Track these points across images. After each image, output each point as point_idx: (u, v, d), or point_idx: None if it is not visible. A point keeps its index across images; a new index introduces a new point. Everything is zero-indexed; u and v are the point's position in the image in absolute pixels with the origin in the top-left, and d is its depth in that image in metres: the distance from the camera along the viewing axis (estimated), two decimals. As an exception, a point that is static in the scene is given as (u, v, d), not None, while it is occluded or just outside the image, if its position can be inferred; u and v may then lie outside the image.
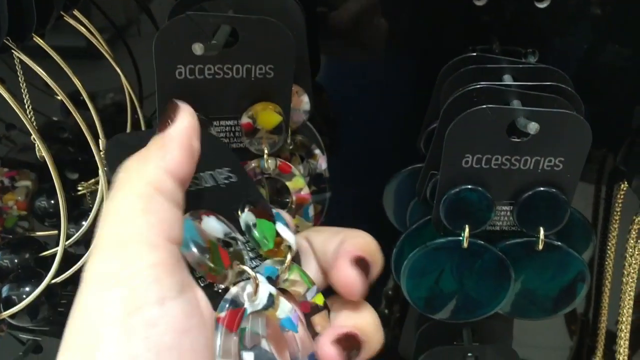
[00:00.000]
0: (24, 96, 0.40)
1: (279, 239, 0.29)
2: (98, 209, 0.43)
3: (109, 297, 0.22)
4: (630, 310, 0.40)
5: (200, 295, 0.25)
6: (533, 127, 0.31)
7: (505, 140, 0.34)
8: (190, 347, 0.23)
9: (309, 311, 0.29)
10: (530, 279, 0.38)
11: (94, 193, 0.46)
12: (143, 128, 0.48)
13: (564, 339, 0.58)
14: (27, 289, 0.41)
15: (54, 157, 0.43)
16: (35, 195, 0.46)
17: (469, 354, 0.43)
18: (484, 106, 0.33)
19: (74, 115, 0.40)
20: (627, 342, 0.45)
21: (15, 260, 0.43)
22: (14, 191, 0.45)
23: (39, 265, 0.43)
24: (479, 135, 0.34)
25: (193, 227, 0.27)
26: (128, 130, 0.48)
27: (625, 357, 0.47)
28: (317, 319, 0.29)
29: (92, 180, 0.46)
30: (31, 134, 0.50)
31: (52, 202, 0.46)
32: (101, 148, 0.40)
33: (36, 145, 0.38)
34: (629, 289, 0.39)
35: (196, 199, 0.29)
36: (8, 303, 0.41)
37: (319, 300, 0.29)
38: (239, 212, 0.30)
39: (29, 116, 0.39)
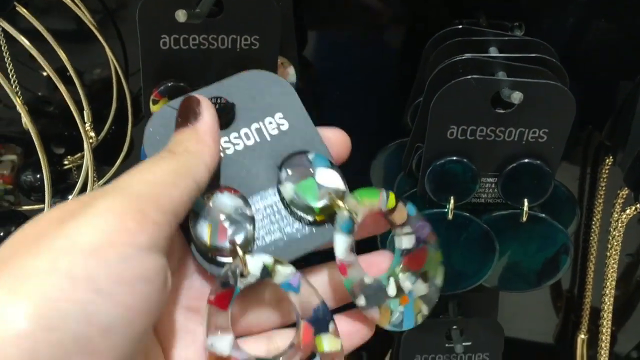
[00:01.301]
0: (8, 69, 0.40)
1: (322, 192, 0.30)
2: (83, 182, 0.43)
3: (96, 223, 0.23)
4: (614, 283, 0.41)
5: (169, 273, 0.26)
6: (517, 97, 0.32)
7: (490, 111, 0.34)
8: (143, 297, 0.23)
9: (387, 212, 0.32)
10: (515, 251, 0.39)
11: (79, 167, 0.46)
12: (129, 104, 0.48)
13: (550, 315, 0.59)
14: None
15: (39, 131, 0.43)
16: (21, 169, 0.46)
17: (454, 327, 0.43)
18: (469, 77, 0.33)
19: (60, 89, 0.40)
20: (610, 316, 0.46)
21: (1, 233, 0.42)
22: (0, 165, 0.45)
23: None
24: (464, 106, 0.34)
25: (201, 204, 0.29)
26: (113, 105, 0.48)
27: (609, 332, 0.47)
28: (396, 217, 0.32)
29: (78, 155, 0.46)
30: (16, 107, 0.50)
31: (38, 176, 0.45)
32: (86, 121, 0.40)
33: (22, 116, 0.38)
34: (612, 261, 0.40)
35: (228, 164, 0.30)
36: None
37: (391, 203, 0.31)
38: (278, 182, 0.31)
39: (14, 87, 0.38)
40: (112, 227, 0.23)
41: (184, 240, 0.30)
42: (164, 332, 0.30)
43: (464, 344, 0.44)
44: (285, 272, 0.30)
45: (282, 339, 0.31)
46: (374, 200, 0.31)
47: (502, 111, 0.34)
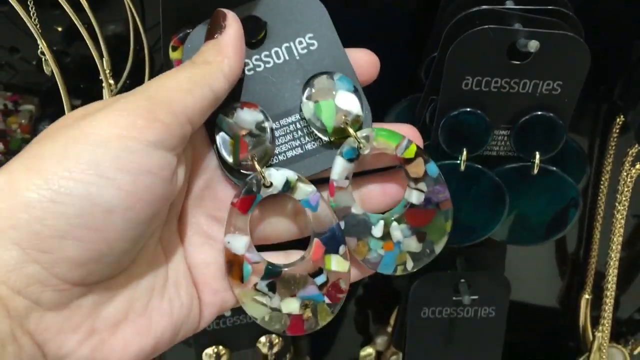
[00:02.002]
0: (30, 14, 0.40)
1: (340, 115, 0.31)
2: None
3: (108, 119, 0.26)
4: (620, 239, 0.42)
5: (181, 174, 0.29)
6: (533, 45, 0.32)
7: (506, 62, 0.35)
8: (145, 187, 0.26)
9: (403, 161, 0.33)
10: (525, 204, 0.39)
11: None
12: (147, 57, 0.48)
13: (555, 277, 0.60)
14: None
15: (55, 84, 0.44)
16: (39, 119, 0.47)
17: (462, 280, 0.44)
18: (486, 26, 0.33)
19: (83, 34, 0.41)
20: (615, 278, 0.47)
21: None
22: (17, 114, 0.46)
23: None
24: (480, 57, 0.34)
25: (222, 121, 0.31)
26: (130, 57, 0.48)
27: (613, 293, 0.48)
28: (412, 168, 0.33)
29: (95, 106, 0.47)
30: (32, 61, 0.51)
31: (55, 126, 0.46)
32: (106, 68, 0.40)
33: (44, 60, 0.38)
34: (620, 216, 0.40)
35: (258, 80, 0.32)
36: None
37: (411, 152, 0.32)
38: (303, 94, 0.32)
39: (37, 28, 0.38)
40: (122, 122, 0.26)
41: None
42: (187, 235, 0.32)
43: (471, 297, 0.45)
44: (306, 190, 0.32)
45: (298, 257, 0.33)
46: (390, 143, 0.32)
47: (517, 62, 0.35)
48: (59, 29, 0.49)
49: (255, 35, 0.32)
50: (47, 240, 0.24)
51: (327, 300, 0.33)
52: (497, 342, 0.47)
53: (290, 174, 0.31)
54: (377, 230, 0.33)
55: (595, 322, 0.54)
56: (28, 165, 0.25)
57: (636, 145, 0.40)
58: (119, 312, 0.28)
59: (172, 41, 0.36)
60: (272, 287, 0.32)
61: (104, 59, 0.40)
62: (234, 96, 0.31)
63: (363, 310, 0.63)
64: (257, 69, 0.32)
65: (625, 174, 0.40)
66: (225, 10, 0.30)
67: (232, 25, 0.30)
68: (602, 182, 0.47)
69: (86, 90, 0.49)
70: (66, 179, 0.24)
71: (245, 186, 0.31)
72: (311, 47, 0.32)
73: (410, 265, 0.34)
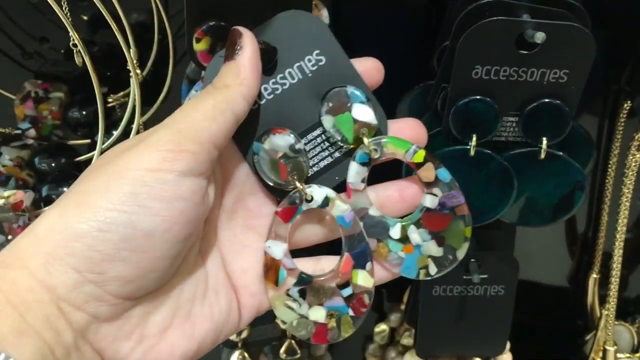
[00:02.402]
0: (62, 5, 0.43)
1: (357, 126, 0.34)
2: (128, 119, 0.46)
3: (141, 155, 0.29)
4: (625, 220, 0.43)
5: (212, 192, 0.32)
6: (540, 37, 0.33)
7: (514, 52, 0.36)
8: (179, 211, 0.29)
9: (415, 167, 0.35)
10: (532, 187, 0.41)
11: (122, 105, 0.49)
12: (170, 46, 0.50)
13: (565, 257, 0.62)
14: (65, 189, 0.44)
15: (84, 72, 0.46)
16: (68, 106, 0.49)
17: (472, 260, 0.46)
18: (495, 18, 0.35)
19: (111, 25, 0.43)
20: (620, 258, 0.48)
21: (53, 164, 0.46)
22: (48, 102, 0.48)
23: (74, 169, 0.46)
24: (489, 47, 0.36)
25: (260, 148, 0.34)
26: (154, 47, 0.50)
27: (618, 272, 0.50)
28: (422, 173, 0.35)
29: (121, 93, 0.49)
30: (61, 50, 0.53)
31: (84, 113, 0.48)
32: (133, 58, 0.42)
33: (75, 51, 0.40)
34: (625, 199, 0.42)
35: (279, 102, 0.34)
36: (47, 202, 0.44)
37: (419, 157, 0.35)
38: (321, 110, 0.34)
39: (68, 18, 0.41)
40: (154, 157, 0.29)
41: (245, 176, 0.35)
42: (225, 245, 0.35)
43: (480, 276, 0.46)
44: (342, 208, 0.34)
45: (327, 264, 0.35)
46: (399, 149, 0.34)
47: (525, 52, 0.36)
48: (85, 18, 0.52)
49: (269, 63, 0.34)
50: (99, 264, 0.28)
51: (351, 312, 0.35)
52: (506, 319, 0.49)
53: (330, 192, 0.34)
54: (395, 232, 0.35)
55: (603, 300, 0.55)
56: (77, 200, 0.28)
57: (642, 131, 0.42)
58: (165, 320, 0.31)
59: (196, 33, 0.38)
60: (302, 294, 0.34)
61: (131, 50, 0.42)
62: (263, 121, 0.34)
63: (378, 289, 0.65)
64: (276, 92, 0.34)
65: (630, 157, 0.41)
66: (241, 29, 0.32)
67: (248, 44, 0.32)
68: (609, 166, 0.49)
69: (112, 78, 0.51)
70: (110, 211, 0.28)
71: (289, 199, 0.34)
72: (320, 63, 0.34)
73: (433, 270, 0.36)
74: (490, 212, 0.42)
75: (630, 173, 0.41)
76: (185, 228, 0.30)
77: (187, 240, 0.30)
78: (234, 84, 0.31)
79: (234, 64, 0.32)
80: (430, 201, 0.35)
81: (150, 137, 0.30)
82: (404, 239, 0.35)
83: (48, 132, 0.48)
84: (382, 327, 0.59)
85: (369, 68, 0.35)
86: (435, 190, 0.35)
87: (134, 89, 0.43)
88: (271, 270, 0.34)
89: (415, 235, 0.35)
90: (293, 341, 0.55)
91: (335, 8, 0.43)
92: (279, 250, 0.34)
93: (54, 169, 0.46)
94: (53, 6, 0.38)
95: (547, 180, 0.41)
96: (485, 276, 0.47)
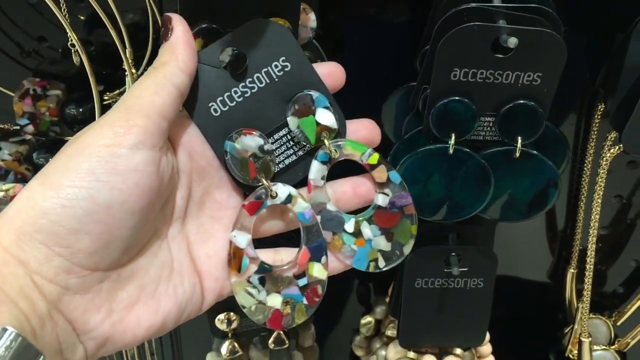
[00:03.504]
0: (61, 5, 0.44)
1: (319, 128, 0.37)
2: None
3: (96, 133, 0.32)
4: (597, 217, 0.45)
5: (166, 163, 0.34)
6: (512, 42, 0.35)
7: (490, 55, 0.38)
8: (134, 183, 0.32)
9: (369, 168, 0.39)
10: (509, 184, 0.43)
11: (118, 103, 0.51)
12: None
13: (545, 254, 0.64)
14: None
15: (80, 70, 0.48)
16: (65, 104, 0.51)
17: (452, 254, 0.48)
18: (472, 23, 0.37)
19: (107, 25, 0.44)
20: (593, 253, 0.50)
21: (50, 159, 0.47)
22: (46, 99, 0.50)
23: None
24: (467, 51, 0.38)
25: (231, 147, 0.36)
26: (149, 46, 0.52)
27: (592, 267, 0.52)
28: (376, 174, 0.39)
29: (117, 91, 0.51)
30: (59, 49, 0.54)
31: (81, 110, 0.50)
32: (129, 57, 0.44)
33: (73, 51, 0.42)
34: (597, 196, 0.44)
35: (248, 104, 0.37)
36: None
37: (374, 160, 0.39)
38: (287, 112, 0.37)
39: (66, 18, 0.42)
40: (106, 134, 0.32)
41: (215, 170, 0.38)
42: (192, 233, 0.37)
43: (460, 269, 0.48)
44: (303, 205, 0.38)
45: (286, 255, 0.39)
46: (355, 151, 0.38)
47: (500, 56, 0.38)
48: (82, 18, 0.53)
49: (239, 68, 0.37)
50: (65, 237, 0.30)
51: (305, 301, 0.38)
52: (485, 310, 0.51)
53: (293, 190, 0.38)
54: (349, 226, 0.39)
55: (580, 294, 0.57)
56: (41, 181, 0.31)
57: (614, 131, 0.44)
58: (132, 296, 0.34)
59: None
60: (262, 282, 0.38)
61: (127, 50, 0.44)
62: (233, 121, 0.37)
63: (365, 283, 0.67)
64: (246, 95, 0.37)
65: (602, 156, 0.43)
66: (171, 14, 0.35)
67: (178, 25, 0.35)
68: (585, 165, 0.51)
69: (108, 77, 0.53)
70: (71, 187, 0.30)
71: (256, 194, 0.37)
72: (286, 69, 0.37)
73: (382, 263, 0.39)
74: (469, 207, 0.44)
75: (602, 171, 0.43)
76: (141, 199, 0.32)
77: (146, 212, 0.33)
78: (170, 60, 0.34)
79: (168, 44, 0.35)
80: (382, 200, 0.39)
81: (103, 118, 0.33)
82: (357, 233, 0.39)
83: (46, 129, 0.50)
84: (368, 319, 0.61)
85: (332, 72, 0.38)
86: (387, 190, 0.39)
87: (129, 87, 0.44)
88: (235, 258, 0.37)
89: (367, 230, 0.39)
90: (281, 332, 0.56)
91: (322, 12, 0.45)
92: (243, 240, 0.37)
93: (52, 163, 0.48)
94: (51, 6, 0.40)
95: (523, 178, 0.43)
96: (465, 269, 0.49)
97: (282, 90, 0.38)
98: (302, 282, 0.38)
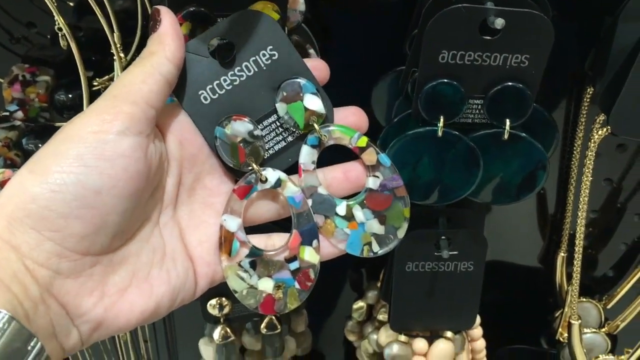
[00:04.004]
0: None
1: (308, 113, 0.38)
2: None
3: (84, 120, 0.32)
4: (587, 199, 0.45)
5: (154, 150, 0.34)
6: (499, 22, 0.36)
7: (478, 37, 0.38)
8: (122, 168, 0.32)
9: (358, 152, 0.39)
10: (498, 167, 0.43)
11: (107, 88, 0.51)
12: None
13: (536, 238, 0.64)
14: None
15: (69, 56, 0.48)
16: (55, 89, 0.50)
17: (443, 237, 0.48)
18: (459, 5, 0.37)
19: (96, 11, 0.44)
20: (582, 235, 0.50)
21: (40, 145, 0.47)
22: (35, 85, 0.50)
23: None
24: (455, 33, 0.38)
25: (221, 132, 0.37)
26: (137, 33, 0.52)
27: (581, 249, 0.52)
28: (365, 156, 0.39)
29: (106, 77, 0.50)
30: (47, 35, 0.54)
31: (70, 95, 0.50)
32: (117, 42, 0.44)
33: (60, 35, 0.42)
34: (586, 179, 0.44)
35: (238, 92, 0.37)
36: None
37: (362, 142, 0.39)
38: (276, 98, 0.38)
39: (54, 3, 0.42)
40: (94, 121, 0.32)
41: (205, 157, 0.38)
42: (184, 219, 0.37)
43: (450, 253, 0.49)
44: (293, 189, 0.38)
45: (278, 240, 0.39)
46: (344, 135, 0.38)
47: (488, 38, 0.38)
48: (71, 4, 0.53)
49: (228, 56, 0.37)
50: (55, 222, 0.31)
51: (297, 285, 0.38)
52: (476, 294, 0.51)
53: (283, 175, 0.38)
54: (341, 209, 0.39)
55: (570, 278, 0.58)
56: (31, 168, 0.32)
57: (602, 114, 0.44)
58: (124, 280, 0.34)
59: (177, 18, 0.40)
60: (253, 265, 0.38)
61: (115, 34, 0.44)
62: (222, 108, 0.37)
63: (357, 269, 0.67)
64: (235, 83, 0.38)
65: (591, 139, 0.44)
66: (159, 7, 0.36)
67: (166, 16, 0.35)
68: (575, 148, 0.51)
69: (98, 62, 0.52)
70: (60, 173, 0.31)
71: (246, 178, 0.37)
72: (273, 58, 0.38)
73: (376, 247, 0.39)
74: (458, 190, 0.44)
75: (590, 154, 0.43)
76: (130, 184, 0.33)
77: (136, 197, 0.33)
78: (158, 50, 0.35)
79: (156, 34, 0.35)
80: (372, 182, 0.39)
81: (91, 106, 0.33)
82: (349, 217, 0.39)
83: (35, 114, 0.50)
84: (360, 304, 0.61)
85: (316, 66, 0.39)
86: (377, 173, 0.39)
87: (118, 72, 0.44)
88: (226, 242, 0.37)
89: (359, 212, 0.39)
90: (273, 317, 0.57)
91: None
92: (234, 223, 0.37)
93: (41, 149, 0.48)
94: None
95: (512, 160, 0.43)
96: (455, 253, 0.49)
97: (270, 79, 0.38)
98: (294, 265, 0.38)
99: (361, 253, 0.39)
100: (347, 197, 0.40)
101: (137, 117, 0.33)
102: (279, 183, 0.38)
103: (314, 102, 0.38)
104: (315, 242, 0.38)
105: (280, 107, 0.38)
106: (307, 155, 0.38)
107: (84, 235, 0.32)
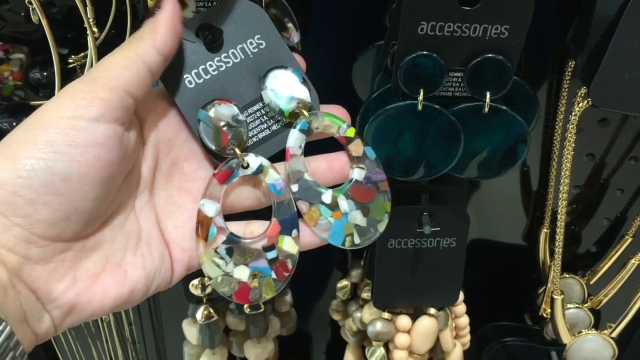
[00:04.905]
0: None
1: (293, 102, 0.37)
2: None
3: (57, 104, 0.31)
4: (568, 173, 0.45)
5: (129, 137, 0.33)
6: (477, -10, 0.35)
7: (457, 8, 0.38)
8: (95, 156, 0.31)
9: (345, 142, 0.39)
10: (479, 141, 0.43)
11: (82, 66, 0.50)
12: (129, 9, 0.51)
13: (521, 215, 0.64)
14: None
15: (44, 34, 0.46)
16: (29, 67, 0.49)
17: (425, 213, 0.48)
18: (437, -26, 0.36)
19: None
20: (564, 209, 0.50)
21: (14, 124, 0.46)
22: (9, 63, 0.49)
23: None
24: (433, 3, 0.37)
25: (205, 116, 0.36)
26: (112, 10, 0.51)
27: (563, 224, 0.52)
28: (352, 147, 0.39)
29: (82, 54, 0.49)
30: (21, 12, 0.53)
31: (45, 73, 0.49)
32: (89, 17, 0.43)
33: (31, 9, 0.41)
34: (567, 152, 0.44)
35: (223, 78, 0.37)
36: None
37: (350, 133, 0.39)
38: (262, 86, 0.38)
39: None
40: (68, 104, 0.31)
41: (183, 142, 0.37)
42: (160, 204, 0.37)
43: (432, 229, 0.48)
44: (274, 176, 0.37)
45: (257, 227, 0.38)
46: (333, 124, 0.38)
47: (467, 8, 0.38)
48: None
49: (215, 41, 0.37)
50: (22, 208, 0.30)
51: (274, 275, 0.38)
52: (458, 270, 0.51)
53: (265, 161, 0.37)
54: (326, 198, 0.38)
55: (553, 254, 0.58)
56: (0, 152, 0.31)
57: (584, 87, 0.44)
58: (97, 265, 0.34)
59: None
60: (229, 252, 0.37)
61: (87, 8, 0.43)
62: (207, 93, 0.37)
63: (342, 249, 0.67)
64: (221, 69, 0.37)
65: (572, 112, 0.43)
66: None
67: (169, 4, 0.34)
68: (557, 123, 0.51)
69: (73, 40, 0.51)
70: (28, 158, 0.30)
71: (227, 163, 0.36)
72: (260, 46, 0.38)
73: (357, 239, 0.39)
74: (439, 165, 0.43)
75: (571, 127, 0.43)
76: (102, 172, 0.32)
77: (108, 184, 0.33)
78: (148, 37, 0.33)
79: (151, 20, 0.34)
80: (358, 173, 0.39)
81: (66, 88, 0.32)
82: (334, 206, 0.38)
83: (9, 93, 0.49)
84: (344, 282, 0.61)
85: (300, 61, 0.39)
86: (362, 165, 0.39)
87: (91, 48, 0.43)
88: (203, 227, 0.36)
89: (343, 202, 0.38)
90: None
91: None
92: (212, 208, 0.36)
93: (15, 127, 0.47)
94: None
95: (493, 134, 0.42)
96: (438, 229, 0.49)
97: (257, 67, 0.38)
98: (271, 255, 0.38)
99: (343, 244, 0.39)
100: (332, 187, 0.39)
101: (114, 104, 0.32)
102: (260, 169, 0.37)
103: (300, 90, 0.38)
104: (294, 232, 0.38)
105: (266, 95, 0.37)
106: (295, 139, 0.38)
107: (52, 222, 0.31)
